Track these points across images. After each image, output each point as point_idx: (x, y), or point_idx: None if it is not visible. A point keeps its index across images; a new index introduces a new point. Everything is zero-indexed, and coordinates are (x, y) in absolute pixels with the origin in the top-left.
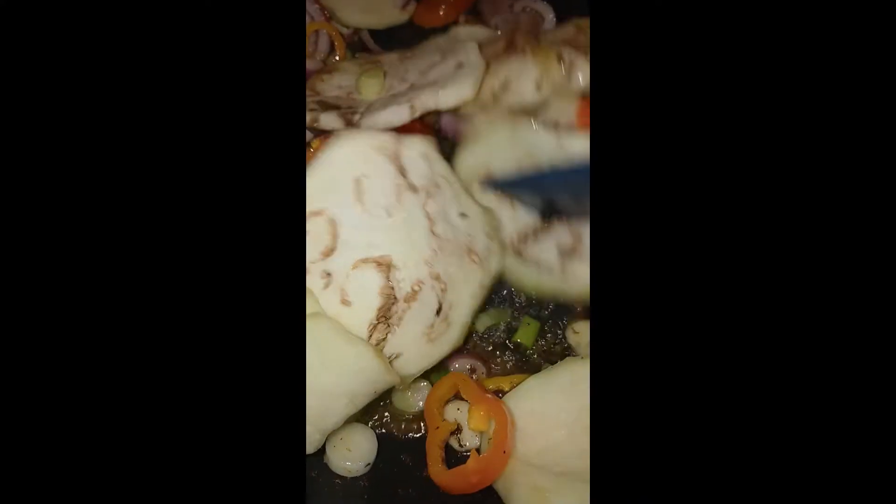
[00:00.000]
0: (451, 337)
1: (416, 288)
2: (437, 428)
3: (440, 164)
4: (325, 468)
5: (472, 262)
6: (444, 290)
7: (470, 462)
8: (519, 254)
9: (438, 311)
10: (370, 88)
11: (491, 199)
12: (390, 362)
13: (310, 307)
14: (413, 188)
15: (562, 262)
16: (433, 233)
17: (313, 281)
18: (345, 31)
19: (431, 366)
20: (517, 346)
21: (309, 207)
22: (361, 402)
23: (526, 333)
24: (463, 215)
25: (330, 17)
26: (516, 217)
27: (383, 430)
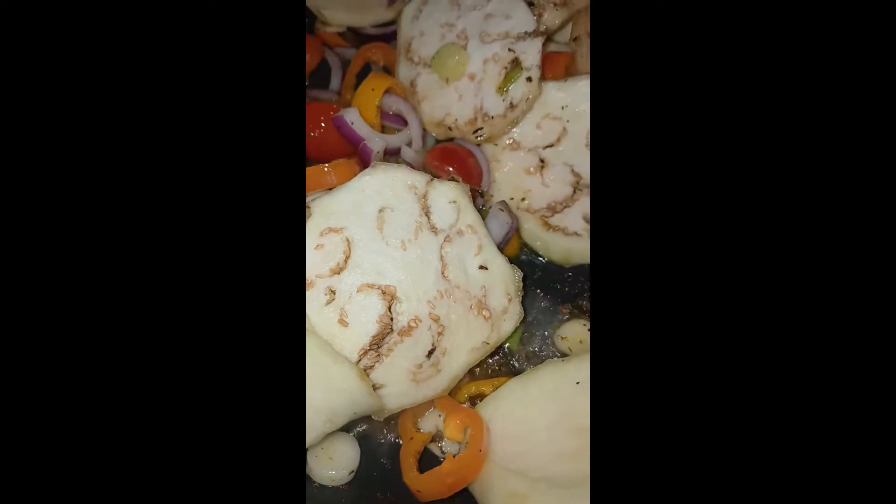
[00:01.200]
0: (438, 385)
1: (413, 324)
2: (411, 439)
3: (471, 214)
4: (308, 479)
5: (480, 316)
6: (440, 334)
7: (445, 464)
8: (547, 224)
9: (430, 354)
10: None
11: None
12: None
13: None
14: (433, 230)
15: (587, 231)
16: (444, 275)
17: (316, 295)
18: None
19: (411, 406)
20: (503, 349)
21: (330, 224)
22: (340, 421)
23: (512, 337)
24: (483, 268)
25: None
26: (545, 189)
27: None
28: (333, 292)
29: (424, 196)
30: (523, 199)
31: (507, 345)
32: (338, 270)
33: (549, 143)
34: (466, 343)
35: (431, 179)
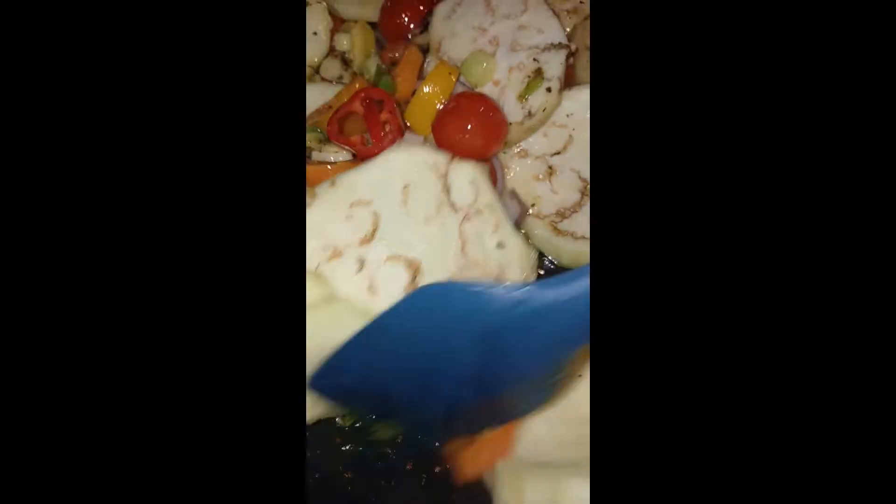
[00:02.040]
0: None
1: None
2: None
3: (489, 194)
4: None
5: None
6: None
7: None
8: (556, 229)
9: None
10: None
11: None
12: None
13: (324, 290)
14: (453, 207)
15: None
16: (462, 252)
17: (346, 264)
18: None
19: None
20: None
21: (358, 196)
22: None
23: None
24: (500, 245)
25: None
26: (554, 195)
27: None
28: (363, 262)
29: (445, 175)
30: (533, 205)
31: None
32: (366, 241)
33: (556, 151)
34: None
35: (452, 159)
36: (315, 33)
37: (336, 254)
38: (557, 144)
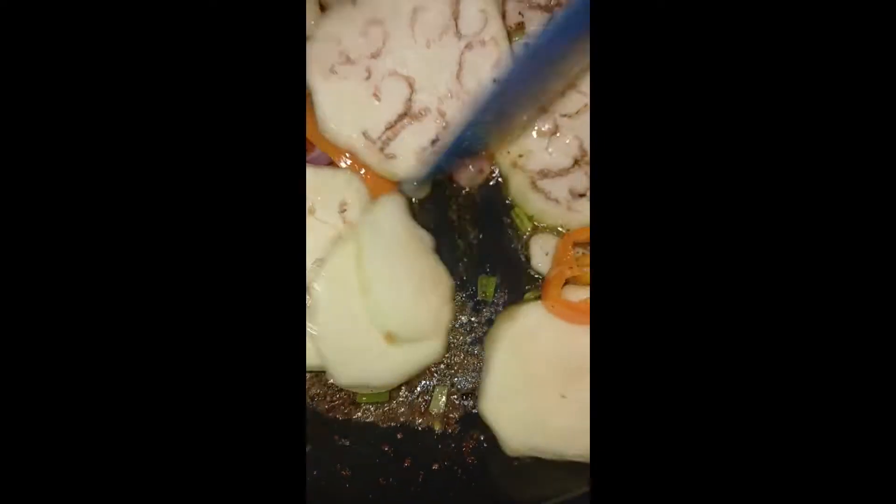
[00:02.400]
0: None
1: (422, 112)
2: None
3: (497, 27)
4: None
5: None
6: (444, 129)
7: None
8: (533, 184)
9: (433, 143)
10: None
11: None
12: (387, 159)
13: None
14: (458, 35)
15: (568, 201)
16: (457, 78)
17: (358, 71)
18: None
19: (416, 179)
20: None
21: (374, 15)
22: None
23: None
24: (495, 81)
25: None
26: (546, 155)
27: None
28: (370, 72)
29: (458, 2)
30: (520, 156)
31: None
32: (376, 55)
33: (567, 113)
34: None
35: None
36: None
37: (349, 61)
38: (571, 108)
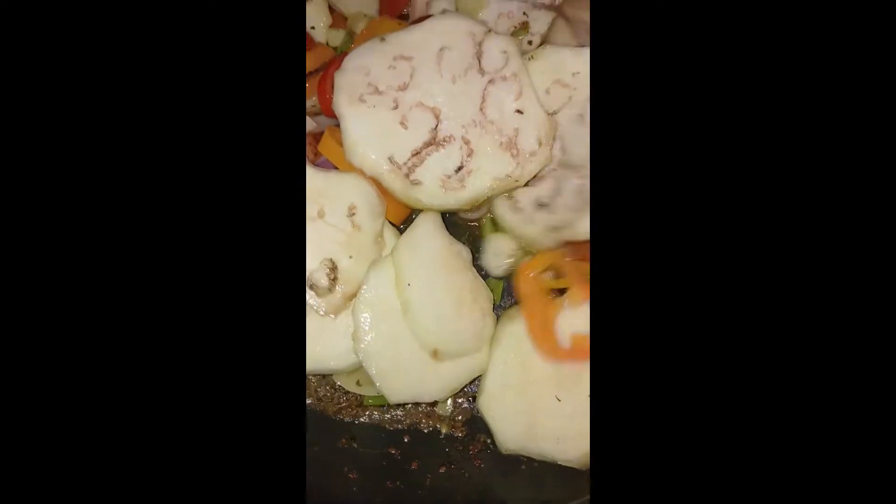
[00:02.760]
0: (462, 197)
1: (447, 140)
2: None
3: (517, 64)
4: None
5: (508, 153)
6: (469, 156)
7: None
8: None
9: (458, 170)
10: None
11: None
12: (412, 185)
13: None
14: (481, 71)
15: (533, 214)
16: (481, 110)
17: (385, 101)
18: None
19: (440, 209)
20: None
21: (402, 52)
22: None
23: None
24: (518, 112)
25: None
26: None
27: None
28: (398, 102)
29: (480, 44)
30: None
31: None
32: (403, 88)
33: (553, 111)
34: (491, 171)
35: (489, 31)
36: (313, 28)
37: (377, 91)
38: (555, 104)
